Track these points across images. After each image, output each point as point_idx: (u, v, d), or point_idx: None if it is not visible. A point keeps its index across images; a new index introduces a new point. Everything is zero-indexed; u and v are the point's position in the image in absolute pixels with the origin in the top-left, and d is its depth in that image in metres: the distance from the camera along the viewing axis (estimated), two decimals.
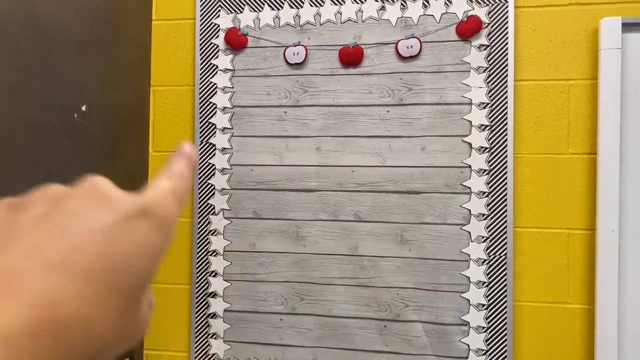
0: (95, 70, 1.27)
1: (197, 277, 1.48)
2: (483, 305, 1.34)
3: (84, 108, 1.23)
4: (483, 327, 1.34)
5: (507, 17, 1.35)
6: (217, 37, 1.49)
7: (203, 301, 1.47)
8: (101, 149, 1.30)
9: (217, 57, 1.49)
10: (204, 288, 1.47)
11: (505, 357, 1.33)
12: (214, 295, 1.47)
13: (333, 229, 1.41)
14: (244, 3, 1.47)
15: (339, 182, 1.41)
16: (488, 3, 1.36)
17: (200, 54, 1.49)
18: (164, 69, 1.53)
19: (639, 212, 1.28)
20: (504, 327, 1.33)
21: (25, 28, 1.04)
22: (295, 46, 1.44)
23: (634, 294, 1.28)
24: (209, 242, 1.48)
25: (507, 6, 1.35)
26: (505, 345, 1.33)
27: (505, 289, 1.33)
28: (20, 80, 1.03)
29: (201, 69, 1.49)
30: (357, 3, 1.42)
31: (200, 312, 1.47)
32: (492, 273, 1.34)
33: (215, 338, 1.46)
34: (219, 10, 1.49)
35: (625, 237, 1.28)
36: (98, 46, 1.28)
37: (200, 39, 1.49)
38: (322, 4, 1.43)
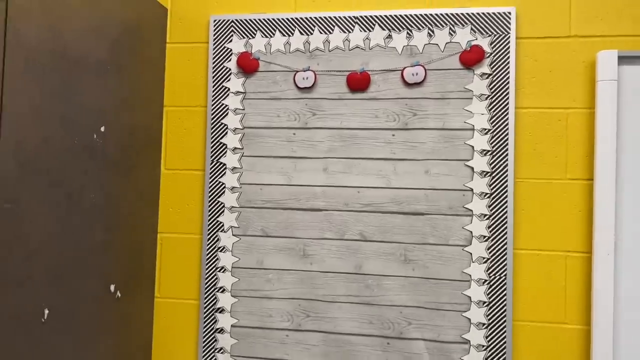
0: (113, 92, 1.33)
1: (206, 293, 1.52)
2: (483, 324, 1.38)
3: (102, 129, 1.28)
4: (483, 346, 1.38)
5: (509, 47, 1.41)
6: (230, 60, 1.55)
7: (211, 316, 1.51)
8: (118, 167, 1.35)
9: (229, 80, 1.54)
10: (212, 303, 1.51)
11: None
12: (221, 310, 1.51)
13: (339, 247, 1.46)
14: (256, 29, 1.53)
15: (345, 202, 1.46)
16: (491, 33, 1.42)
17: (213, 77, 1.55)
18: (177, 90, 1.58)
19: (634, 236, 1.33)
20: (503, 346, 1.37)
21: (52, 54, 1.09)
22: (304, 71, 1.50)
23: (629, 315, 1.32)
24: (217, 259, 1.52)
25: (509, 37, 1.41)
26: None
27: (504, 308, 1.38)
28: (45, 104, 1.08)
29: (213, 91, 1.55)
30: (365, 31, 1.48)
31: (207, 327, 1.51)
32: (492, 293, 1.38)
33: (222, 352, 1.50)
34: (232, 35, 1.55)
35: (620, 260, 1.33)
36: (116, 69, 1.34)
37: (213, 62, 1.55)
38: (332, 31, 1.50)
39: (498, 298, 1.38)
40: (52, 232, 1.11)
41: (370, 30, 1.48)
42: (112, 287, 1.35)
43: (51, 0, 1.08)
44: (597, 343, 1.31)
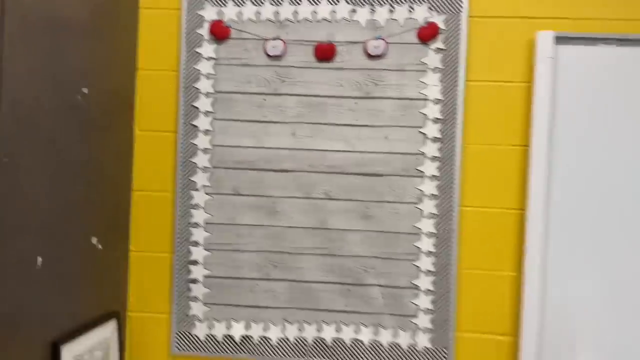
0: (94, 55, 1.39)
1: (179, 246, 1.63)
2: (431, 271, 1.57)
3: (85, 90, 1.35)
4: (431, 290, 1.57)
5: (460, 25, 1.56)
6: (202, 27, 1.62)
7: (184, 268, 1.63)
8: (97, 127, 1.43)
9: (202, 46, 1.62)
10: (186, 256, 1.63)
11: (448, 315, 1.57)
12: (195, 262, 1.63)
13: (305, 205, 1.60)
14: None
15: (312, 164, 1.60)
16: (445, 12, 1.57)
17: (186, 43, 1.62)
18: (150, 54, 1.65)
19: (564, 196, 1.54)
20: (447, 290, 1.57)
21: (45, 19, 1.15)
22: (274, 40, 1.60)
23: (556, 264, 1.54)
24: (190, 216, 1.63)
25: (462, 15, 1.56)
26: (449, 306, 1.57)
27: (450, 258, 1.57)
28: (37, 65, 1.14)
29: (186, 55, 1.62)
30: (331, 4, 1.59)
31: (181, 277, 1.63)
32: (439, 244, 1.57)
33: (195, 301, 1.63)
34: (204, 3, 1.62)
35: (551, 216, 1.54)
36: (96, 33, 1.39)
37: (186, 29, 1.62)
38: (300, 3, 1.60)
39: (444, 249, 1.57)
40: (44, 186, 1.20)
41: (336, 4, 1.59)
42: (94, 240, 1.44)
43: None
44: (527, 287, 1.53)
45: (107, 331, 1.50)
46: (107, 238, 1.51)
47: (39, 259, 1.19)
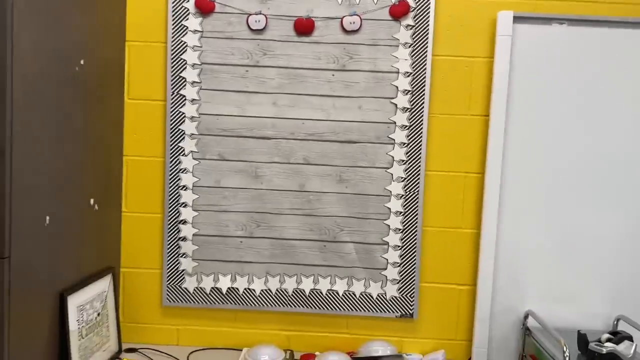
0: (89, 28, 1.48)
1: (169, 208, 1.76)
2: (399, 229, 1.75)
3: (82, 62, 1.45)
4: (399, 246, 1.75)
5: (429, 3, 1.69)
6: (188, 1, 1.72)
7: (174, 227, 1.77)
8: (93, 96, 1.53)
9: (188, 19, 1.72)
10: (175, 217, 1.77)
11: (415, 268, 1.75)
12: (184, 222, 1.77)
13: (285, 170, 1.75)
14: None
15: (291, 132, 1.74)
16: None
17: (172, 16, 1.72)
18: (139, 26, 1.74)
19: (517, 160, 1.71)
20: (414, 246, 1.75)
21: (58, 5, 1.25)
22: (257, 14, 1.71)
23: (509, 222, 1.73)
24: (179, 179, 1.76)
25: None
26: (415, 259, 1.75)
27: (416, 217, 1.74)
28: (41, 41, 1.24)
29: (173, 28, 1.72)
30: None
31: (171, 236, 1.77)
32: (407, 205, 1.74)
33: (184, 257, 1.78)
34: None
35: (505, 179, 1.72)
36: (90, 8, 1.48)
37: (173, 2, 1.71)
38: None
39: (411, 209, 1.74)
40: (51, 151, 1.31)
41: None
42: (92, 201, 1.56)
43: None
44: (484, 242, 1.71)
45: (104, 285, 1.64)
46: (103, 200, 1.63)
47: (47, 218, 1.31)
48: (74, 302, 1.46)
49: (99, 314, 1.59)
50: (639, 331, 1.58)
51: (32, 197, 1.24)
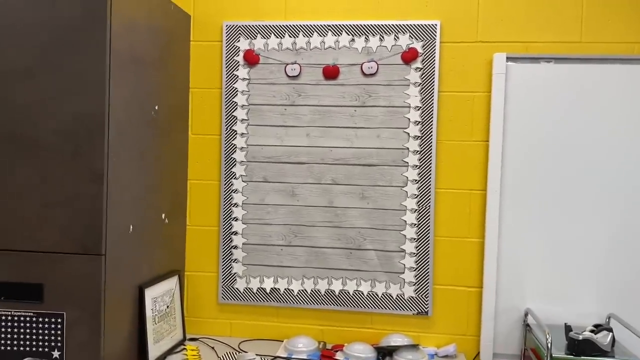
0: (161, 80, 1.92)
1: (224, 221, 2.16)
2: (414, 238, 2.06)
3: (156, 107, 1.88)
4: (414, 253, 2.06)
5: (435, 48, 2.03)
6: (238, 55, 2.14)
7: (228, 237, 2.16)
8: (165, 133, 1.96)
9: (238, 69, 2.14)
10: (229, 228, 2.16)
11: (428, 272, 2.05)
12: (235, 233, 2.15)
13: (317, 189, 2.11)
14: (257, 32, 2.12)
15: (322, 158, 2.10)
16: (423, 39, 2.04)
17: (226, 67, 2.14)
18: (200, 76, 2.17)
19: (514, 179, 1.99)
20: (427, 253, 2.05)
21: (129, 58, 1.69)
22: (292, 64, 2.10)
23: (509, 231, 2.00)
24: (232, 198, 2.16)
25: (436, 41, 2.03)
26: (428, 265, 2.05)
27: (428, 228, 2.05)
28: (127, 92, 1.68)
29: (226, 77, 2.14)
30: (335, 36, 2.08)
31: (226, 244, 2.16)
32: (420, 218, 2.05)
33: (236, 262, 2.16)
34: (239, 36, 2.13)
35: (504, 195, 2.00)
36: (162, 64, 1.93)
37: (226, 56, 2.14)
38: (312, 35, 2.09)
39: (424, 221, 2.05)
40: (133, 175, 1.74)
41: (339, 35, 2.08)
42: (163, 215, 1.98)
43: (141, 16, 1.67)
44: (488, 249, 1.99)
45: (172, 283, 2.05)
46: (172, 215, 2.05)
47: (131, 227, 1.73)
48: (150, 294, 1.87)
49: (167, 307, 1.99)
50: (626, 327, 1.79)
51: (120, 210, 1.67)
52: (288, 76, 2.11)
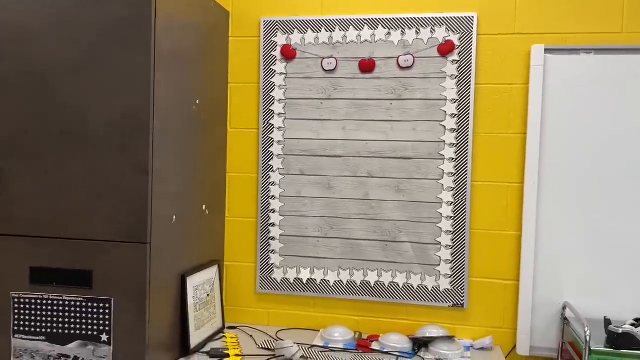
0: (200, 75, 1.98)
1: (262, 213, 2.21)
2: (450, 231, 2.06)
3: (197, 102, 1.94)
4: (450, 245, 2.07)
5: (472, 41, 2.03)
6: (275, 50, 2.18)
7: (265, 229, 2.21)
8: (205, 128, 2.02)
9: (275, 64, 2.18)
10: (266, 220, 2.21)
11: (464, 265, 2.06)
12: (273, 225, 2.20)
13: (353, 182, 2.13)
14: (294, 27, 2.16)
15: (357, 151, 2.13)
16: (460, 32, 2.04)
17: (263, 62, 2.19)
18: (238, 71, 2.23)
19: (552, 172, 1.97)
20: (463, 246, 2.05)
21: (171, 54, 1.75)
22: (329, 58, 2.13)
23: (547, 225, 1.98)
24: (269, 190, 2.20)
25: (472, 34, 2.03)
26: (464, 257, 2.06)
27: (465, 221, 2.05)
28: (170, 88, 1.74)
29: (264, 72, 2.19)
30: (372, 29, 2.10)
31: (263, 236, 2.21)
32: (456, 210, 2.06)
33: (273, 253, 2.21)
34: (277, 32, 2.17)
35: (542, 188, 1.98)
36: (202, 59, 1.98)
37: (263, 52, 2.19)
38: (348, 29, 2.12)
39: (460, 214, 2.05)
40: (176, 167, 1.80)
41: (375, 29, 2.10)
42: (204, 207, 2.04)
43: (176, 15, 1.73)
44: (525, 242, 1.98)
45: (212, 273, 2.11)
46: (212, 206, 2.11)
47: (174, 217, 1.80)
48: (191, 282, 1.93)
49: (208, 295, 2.05)
50: None
51: (164, 201, 1.73)
52: (324, 70, 2.14)
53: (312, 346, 1.97)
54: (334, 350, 1.93)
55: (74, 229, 1.67)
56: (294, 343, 1.90)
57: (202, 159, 2.01)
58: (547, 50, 1.95)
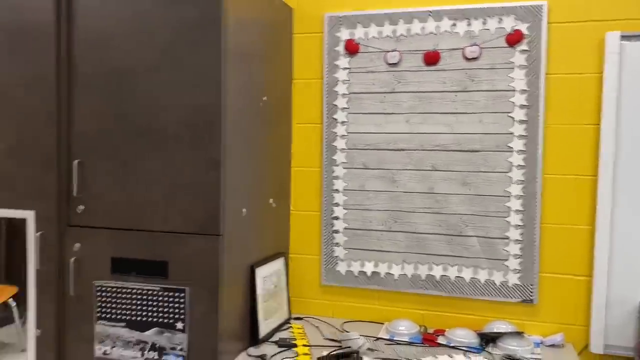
0: (268, 73, 2.02)
1: (325, 207, 2.24)
2: (519, 225, 2.02)
3: (264, 98, 1.99)
4: (519, 240, 2.02)
5: (541, 30, 1.97)
6: (338, 45, 2.19)
7: (329, 222, 2.24)
8: (272, 123, 2.07)
9: (339, 59, 2.20)
10: (330, 214, 2.24)
11: (534, 260, 2.01)
12: (336, 218, 2.23)
13: (417, 175, 2.12)
14: (357, 22, 2.16)
15: (421, 144, 2.11)
16: (528, 21, 1.98)
17: (327, 57, 2.21)
18: (302, 67, 2.26)
19: (627, 163, 1.89)
20: (533, 240, 2.01)
21: (240, 52, 1.80)
22: (392, 51, 2.13)
23: (622, 219, 1.91)
24: (333, 184, 2.23)
25: (542, 23, 1.97)
26: (534, 252, 2.01)
27: (535, 215, 2.00)
28: (239, 84, 1.79)
29: (327, 67, 2.21)
30: (436, 21, 2.08)
31: (327, 229, 2.24)
32: (526, 204, 2.01)
33: (337, 246, 2.23)
34: (340, 26, 2.19)
35: (617, 180, 1.90)
36: (268, 57, 2.03)
37: (327, 47, 2.21)
38: (412, 22, 2.10)
39: (530, 208, 2.00)
40: (244, 163, 1.85)
41: (440, 21, 2.07)
42: (271, 200, 2.09)
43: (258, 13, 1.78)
44: (599, 237, 1.91)
45: (278, 265, 2.16)
46: (278, 200, 2.16)
47: (244, 210, 1.85)
48: (260, 273, 1.99)
49: (275, 286, 2.10)
50: None
51: (235, 195, 1.79)
52: (388, 64, 2.14)
53: (378, 339, 1.98)
54: (400, 343, 1.94)
55: (151, 221, 1.76)
56: (360, 335, 1.92)
57: (268, 153, 2.06)
58: (623, 37, 1.87)
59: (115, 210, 1.78)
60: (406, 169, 2.14)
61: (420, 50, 2.10)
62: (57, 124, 1.81)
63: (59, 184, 1.82)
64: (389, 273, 2.17)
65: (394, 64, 2.13)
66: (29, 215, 1.82)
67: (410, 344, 1.94)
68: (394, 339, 1.98)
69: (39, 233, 1.82)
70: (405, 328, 2.02)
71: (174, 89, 1.71)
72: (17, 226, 1.87)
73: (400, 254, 2.16)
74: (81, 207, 1.81)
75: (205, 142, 1.70)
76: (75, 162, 1.80)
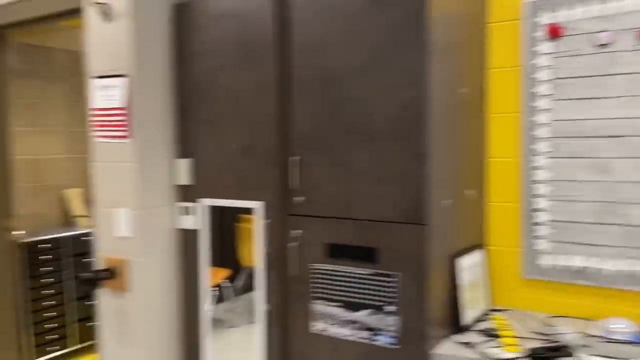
0: (465, 64, 2.05)
1: (525, 198, 2.19)
2: None
3: (463, 90, 2.02)
4: None
5: None
6: (538, 31, 2.12)
7: (529, 214, 2.18)
8: (470, 114, 2.09)
9: (539, 45, 2.13)
10: (531, 205, 2.18)
11: None
12: (538, 210, 2.16)
13: (634, 164, 1.97)
14: (560, 5, 2.07)
15: (638, 130, 1.95)
16: None
17: (527, 44, 2.15)
18: (499, 56, 2.23)
19: None
20: None
21: (442, 48, 1.85)
22: (601, 32, 2.00)
23: None
24: (534, 175, 2.17)
25: None
26: None
27: None
28: (441, 77, 1.85)
29: (527, 54, 2.15)
30: None
31: (527, 221, 2.19)
32: None
33: (539, 238, 2.17)
34: (540, 11, 2.12)
35: None
36: (466, 49, 2.05)
37: (526, 33, 2.15)
38: None
39: None
40: (448, 154, 1.91)
41: None
42: (469, 191, 2.12)
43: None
44: None
45: (477, 256, 2.17)
46: (475, 191, 2.18)
47: (447, 201, 1.91)
48: (461, 264, 2.03)
49: (475, 277, 2.13)
50: None
51: (440, 186, 1.85)
52: (596, 45, 2.01)
53: (591, 336, 1.89)
54: (617, 342, 1.83)
55: (363, 210, 1.91)
56: (572, 330, 1.86)
57: (467, 144, 2.09)
58: None
59: (329, 200, 1.97)
60: (620, 157, 1.99)
61: (634, 28, 1.94)
62: (279, 125, 2.05)
63: (282, 178, 2.07)
64: (600, 268, 2.05)
65: (604, 45, 2.00)
66: (258, 206, 2.10)
67: (629, 343, 1.82)
68: (609, 337, 1.87)
69: (268, 221, 2.09)
70: (625, 326, 1.90)
71: (382, 88, 1.83)
72: (229, 216, 2.15)
73: (614, 249, 2.02)
74: (301, 199, 2.03)
75: (411, 137, 1.79)
76: (295, 158, 2.03)
